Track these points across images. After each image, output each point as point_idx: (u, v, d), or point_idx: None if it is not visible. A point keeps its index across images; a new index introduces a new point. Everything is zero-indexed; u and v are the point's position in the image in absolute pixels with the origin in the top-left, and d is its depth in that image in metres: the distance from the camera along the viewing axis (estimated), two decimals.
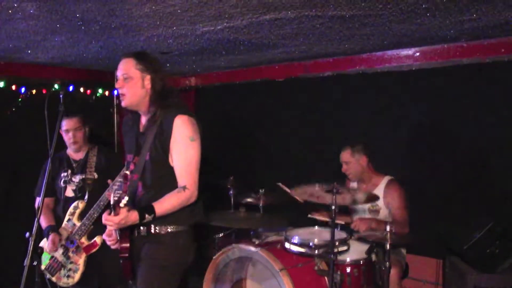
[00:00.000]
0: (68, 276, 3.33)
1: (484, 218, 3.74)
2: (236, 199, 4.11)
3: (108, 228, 2.58)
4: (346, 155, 4.02)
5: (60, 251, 3.34)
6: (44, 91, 4.82)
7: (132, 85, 2.58)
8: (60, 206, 3.60)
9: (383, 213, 3.90)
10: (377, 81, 4.65)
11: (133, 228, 2.59)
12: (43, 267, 3.34)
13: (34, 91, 4.77)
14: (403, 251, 3.97)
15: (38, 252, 2.25)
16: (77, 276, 3.33)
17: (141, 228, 2.60)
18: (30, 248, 2.20)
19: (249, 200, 4.09)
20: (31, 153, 3.69)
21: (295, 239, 3.32)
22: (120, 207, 2.33)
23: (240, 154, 5.83)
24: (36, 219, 2.24)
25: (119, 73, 2.62)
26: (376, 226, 3.63)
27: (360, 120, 4.80)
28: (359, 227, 3.64)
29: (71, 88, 4.81)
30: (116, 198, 2.30)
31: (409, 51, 4.35)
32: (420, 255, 4.41)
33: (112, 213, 2.34)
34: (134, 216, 2.39)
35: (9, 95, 4.66)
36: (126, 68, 2.59)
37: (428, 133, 4.45)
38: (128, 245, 2.56)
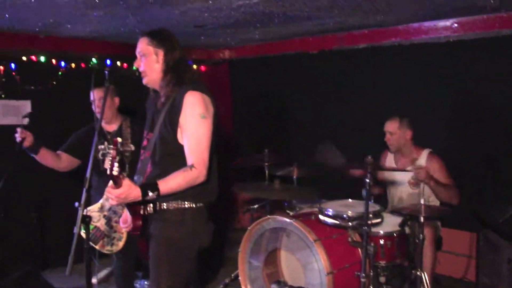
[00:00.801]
0: (112, 244, 3.47)
1: None
2: (271, 172, 4.16)
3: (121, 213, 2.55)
4: (393, 126, 3.99)
5: (103, 221, 3.46)
6: (82, 65, 4.94)
7: (147, 62, 2.58)
8: (101, 178, 3.70)
9: (423, 185, 3.89)
10: (414, 53, 4.58)
11: (143, 206, 2.53)
12: (84, 235, 3.49)
13: (73, 65, 4.90)
14: (439, 223, 3.97)
15: (86, 221, 2.34)
16: (121, 244, 3.45)
17: (149, 205, 2.52)
18: (80, 217, 2.30)
19: (283, 172, 4.14)
20: (73, 127, 3.78)
21: (329, 211, 3.37)
22: (119, 178, 2.24)
23: (274, 127, 5.87)
24: (84, 189, 2.33)
25: (137, 51, 2.63)
26: (433, 184, 3.68)
27: (396, 93, 4.75)
28: (420, 174, 3.66)
29: (108, 62, 4.91)
30: (108, 167, 2.22)
31: (447, 22, 4.26)
32: (454, 229, 4.41)
33: (113, 185, 2.27)
34: (136, 192, 2.31)
35: (50, 69, 4.80)
36: (141, 46, 2.60)
37: (465, 106, 4.38)
38: (140, 222, 2.50)
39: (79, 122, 3.76)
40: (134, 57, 2.63)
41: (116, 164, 2.20)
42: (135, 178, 2.63)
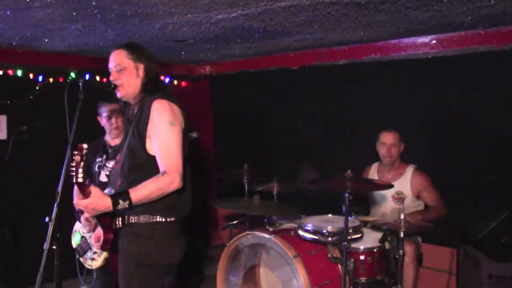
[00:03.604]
0: (93, 259, 3.38)
1: (500, 208, 3.71)
2: (250, 187, 4.12)
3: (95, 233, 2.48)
4: (394, 137, 3.99)
5: (90, 233, 3.38)
6: (60, 80, 4.87)
7: (127, 76, 2.54)
8: None
9: (408, 201, 3.90)
10: (393, 69, 4.62)
11: (112, 220, 2.47)
12: (74, 245, 3.41)
13: (51, 80, 4.83)
14: (419, 239, 3.97)
15: (57, 237, 2.27)
16: (100, 260, 3.37)
17: (117, 219, 2.47)
18: (50, 232, 2.23)
19: (263, 188, 4.10)
20: (50, 140, 3.71)
21: (309, 226, 3.34)
22: (85, 185, 2.17)
23: (255, 143, 5.85)
24: (55, 203, 2.27)
25: (111, 65, 2.58)
26: (423, 219, 3.69)
27: (376, 109, 4.77)
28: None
29: (87, 76, 4.85)
30: (72, 174, 2.15)
31: (426, 39, 4.31)
32: (434, 244, 4.40)
33: (81, 196, 2.21)
34: (105, 202, 2.24)
35: (27, 83, 4.72)
36: (118, 59, 2.56)
37: (444, 122, 4.41)
38: (111, 236, 2.43)
39: (55, 137, 3.69)
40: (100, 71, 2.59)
41: (80, 171, 2.13)
42: (107, 191, 2.56)
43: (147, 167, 2.43)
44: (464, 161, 4.29)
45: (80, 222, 3.38)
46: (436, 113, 4.44)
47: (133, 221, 2.46)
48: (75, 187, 2.25)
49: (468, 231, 3.85)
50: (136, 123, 2.49)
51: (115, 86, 2.56)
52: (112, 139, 3.72)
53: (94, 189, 2.24)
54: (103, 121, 3.69)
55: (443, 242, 4.43)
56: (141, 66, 2.57)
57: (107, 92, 2.60)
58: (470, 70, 4.21)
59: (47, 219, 2.26)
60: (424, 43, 4.33)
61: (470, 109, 4.24)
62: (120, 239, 2.51)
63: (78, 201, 2.24)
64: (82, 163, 2.16)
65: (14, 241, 4.66)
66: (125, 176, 2.51)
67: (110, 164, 3.63)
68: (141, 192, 2.31)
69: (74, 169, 2.15)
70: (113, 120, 3.63)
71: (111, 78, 2.58)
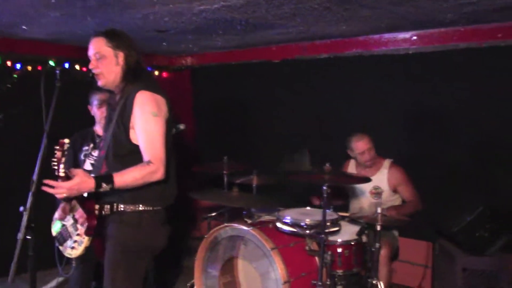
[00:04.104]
0: (73, 248, 3.32)
1: (475, 203, 3.78)
2: (230, 179, 4.12)
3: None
4: (366, 142, 3.98)
5: (71, 221, 3.33)
6: (39, 68, 4.79)
7: (106, 64, 2.52)
8: None
9: (385, 195, 3.94)
10: (374, 64, 4.65)
11: (99, 207, 2.51)
12: (54, 233, 3.37)
13: (29, 68, 4.74)
14: (396, 233, 4.01)
15: (32, 227, 2.24)
16: (80, 249, 3.31)
17: (106, 206, 2.51)
18: (24, 222, 2.21)
19: (243, 180, 4.10)
20: (26, 129, 3.65)
21: (287, 219, 3.35)
22: (67, 178, 2.19)
23: (235, 135, 5.84)
24: (30, 193, 2.24)
25: (91, 52, 2.56)
26: (399, 214, 3.67)
27: (356, 102, 4.81)
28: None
29: (66, 65, 4.78)
30: (55, 167, 2.17)
31: (406, 35, 4.35)
32: (410, 238, 4.46)
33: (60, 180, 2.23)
34: (89, 183, 2.26)
35: (5, 71, 4.63)
36: (98, 47, 2.53)
37: (423, 117, 4.46)
38: (95, 222, 2.47)
39: (32, 126, 3.63)
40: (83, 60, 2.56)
41: (62, 166, 2.14)
42: None
43: (131, 156, 2.45)
44: (441, 156, 4.35)
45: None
46: (415, 108, 4.49)
47: (121, 209, 2.49)
48: None
49: (444, 225, 3.92)
50: (120, 113, 2.49)
51: (94, 75, 2.53)
52: (101, 128, 3.68)
53: (76, 171, 2.25)
54: (93, 110, 3.65)
55: (419, 236, 4.50)
56: (121, 54, 2.54)
57: (87, 82, 2.57)
58: (449, 66, 4.26)
59: (21, 208, 2.23)
60: (405, 38, 4.37)
61: (448, 105, 4.30)
62: (108, 226, 2.54)
63: (62, 184, 2.24)
64: (63, 159, 2.17)
65: None
66: (109, 165, 2.53)
67: (96, 153, 3.60)
68: (125, 177, 2.34)
69: (55, 163, 2.17)
70: (103, 109, 3.59)
71: (90, 66, 2.55)
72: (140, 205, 2.50)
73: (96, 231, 2.51)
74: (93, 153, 3.62)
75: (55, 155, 2.17)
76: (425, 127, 4.47)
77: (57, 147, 2.19)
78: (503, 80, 3.99)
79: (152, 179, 2.39)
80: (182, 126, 4.37)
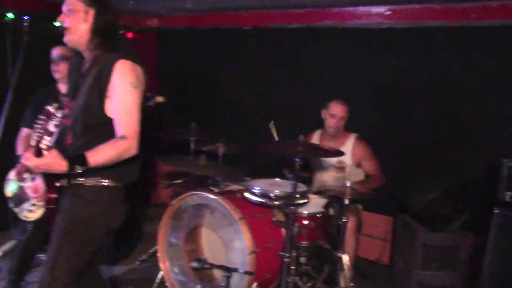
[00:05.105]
0: (30, 211, 3.17)
1: (439, 181, 3.84)
2: (197, 146, 4.03)
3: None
4: (345, 110, 3.93)
5: (30, 183, 3.17)
6: None
7: (74, 19, 2.35)
8: None
9: (349, 170, 3.94)
10: (346, 37, 4.60)
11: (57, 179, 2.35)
12: (9, 194, 3.19)
13: None
14: (360, 206, 4.05)
15: None
16: (39, 213, 3.16)
17: (63, 178, 2.34)
18: None
19: (209, 148, 4.02)
20: None
21: (256, 189, 3.31)
22: (42, 150, 2.04)
23: (202, 102, 5.72)
24: None
25: (64, 7, 2.39)
26: (364, 187, 3.66)
27: (327, 74, 4.76)
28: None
29: (26, 18, 4.49)
30: (37, 139, 2.03)
31: (381, 9, 4.32)
32: (373, 212, 4.52)
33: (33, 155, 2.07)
34: (61, 165, 2.09)
35: None
36: (70, 1, 2.37)
37: (391, 93, 4.48)
38: (55, 195, 2.34)
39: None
40: (55, 16, 2.37)
41: (48, 139, 2.00)
42: None
43: (102, 129, 2.29)
44: (408, 133, 4.39)
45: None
46: (384, 84, 4.49)
47: (80, 183, 2.33)
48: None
49: (407, 202, 3.97)
50: (95, 81, 2.30)
51: (63, 29, 2.36)
52: (63, 84, 3.51)
53: (52, 151, 2.08)
54: (52, 66, 3.47)
55: (381, 211, 4.57)
56: (91, 12, 2.36)
57: (57, 36, 2.39)
58: (421, 44, 4.26)
59: None
60: (379, 13, 4.34)
61: (417, 83, 4.32)
62: (62, 199, 2.38)
63: (30, 157, 2.07)
64: (50, 128, 2.00)
65: None
66: (77, 136, 2.35)
67: (60, 113, 3.41)
68: (99, 156, 2.19)
69: (40, 134, 2.01)
70: (63, 66, 3.42)
71: (58, 19, 2.37)
72: (101, 180, 2.35)
73: (56, 205, 2.36)
74: (57, 114, 3.42)
75: (44, 127, 2.00)
76: (393, 103, 4.49)
77: (46, 118, 2.02)
78: (473, 60, 4.03)
79: (126, 156, 2.26)
80: (160, 99, 4.22)
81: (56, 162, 2.09)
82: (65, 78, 3.42)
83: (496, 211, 3.19)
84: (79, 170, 2.14)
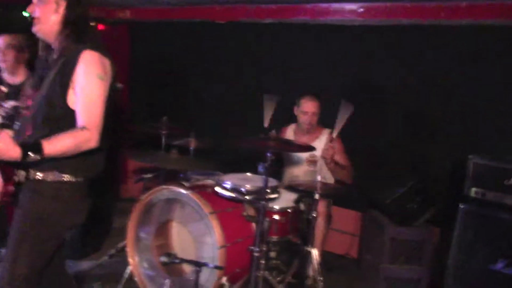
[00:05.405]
0: None
1: (407, 177, 3.91)
2: (168, 141, 3.99)
3: None
4: (316, 106, 3.94)
5: None
6: None
7: (44, 9, 2.30)
8: None
9: (320, 164, 3.96)
10: (319, 33, 4.63)
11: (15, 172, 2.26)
12: None
13: None
14: (330, 202, 4.07)
15: None
16: None
17: (21, 172, 2.25)
18: None
19: (180, 142, 3.99)
20: None
21: (227, 184, 3.30)
22: None
23: (174, 96, 5.67)
24: None
25: None
26: (333, 165, 3.67)
27: (299, 71, 4.78)
28: (329, 152, 3.59)
29: None
30: None
31: (354, 6, 4.35)
32: (341, 207, 4.57)
33: None
34: (14, 152, 1.99)
35: None
36: None
37: (363, 90, 4.52)
38: (12, 188, 2.25)
39: None
40: (27, 6, 2.31)
41: None
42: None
43: (64, 120, 2.21)
44: (377, 129, 4.45)
45: None
46: (356, 81, 4.53)
47: (38, 178, 2.25)
48: None
49: (376, 197, 4.03)
50: (59, 72, 2.23)
51: (32, 19, 2.30)
52: (8, 75, 3.44)
53: (4, 135, 1.99)
54: None
55: (350, 206, 4.62)
56: (63, 4, 2.31)
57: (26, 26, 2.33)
58: (393, 42, 4.33)
59: None
60: (352, 10, 4.37)
61: (389, 80, 4.38)
62: (21, 193, 2.30)
63: None
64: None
65: None
66: (37, 127, 2.27)
67: (7, 104, 3.33)
68: (56, 145, 2.09)
69: None
70: (6, 56, 3.37)
71: (28, 10, 2.31)
72: (61, 175, 2.26)
73: (12, 198, 2.28)
74: (4, 105, 3.33)
75: None
76: (362, 99, 4.52)
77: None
78: (441, 58, 4.11)
79: (85, 148, 2.16)
80: (119, 85, 4.14)
81: (8, 148, 1.99)
82: (10, 68, 3.39)
83: (461, 206, 3.26)
84: (34, 159, 2.04)
